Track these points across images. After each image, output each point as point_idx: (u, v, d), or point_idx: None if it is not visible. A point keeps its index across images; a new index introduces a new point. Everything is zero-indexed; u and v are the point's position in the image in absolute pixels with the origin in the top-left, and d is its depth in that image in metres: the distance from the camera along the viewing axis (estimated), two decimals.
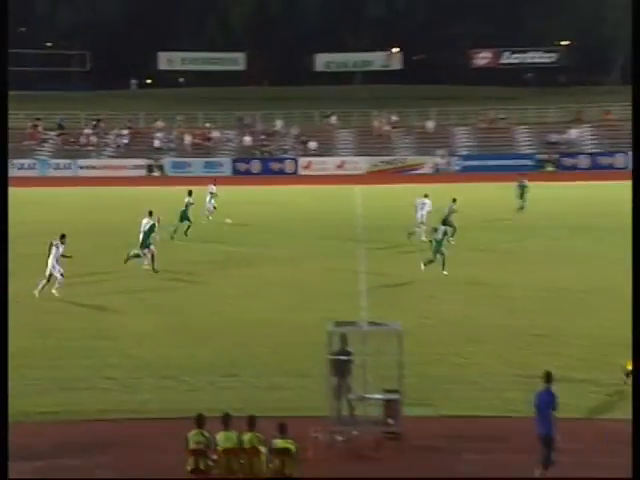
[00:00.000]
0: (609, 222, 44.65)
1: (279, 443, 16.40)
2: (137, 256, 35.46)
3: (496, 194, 58.44)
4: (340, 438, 18.90)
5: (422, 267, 34.45)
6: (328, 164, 76.44)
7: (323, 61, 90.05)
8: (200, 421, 16.58)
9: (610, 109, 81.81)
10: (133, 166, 76.45)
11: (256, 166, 76.87)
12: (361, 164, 75.51)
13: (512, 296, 31.38)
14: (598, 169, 73.40)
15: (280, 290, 32.38)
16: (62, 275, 31.28)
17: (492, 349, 25.36)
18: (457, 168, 75.77)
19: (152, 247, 35.34)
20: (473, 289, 32.45)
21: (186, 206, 43.36)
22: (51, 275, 31.15)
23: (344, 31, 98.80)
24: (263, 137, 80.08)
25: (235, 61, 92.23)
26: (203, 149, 79.24)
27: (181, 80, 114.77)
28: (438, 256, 34.67)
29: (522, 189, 50.55)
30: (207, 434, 16.36)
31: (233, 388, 22.30)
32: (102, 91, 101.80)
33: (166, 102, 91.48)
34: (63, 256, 31.54)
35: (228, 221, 46.68)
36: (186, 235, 42.57)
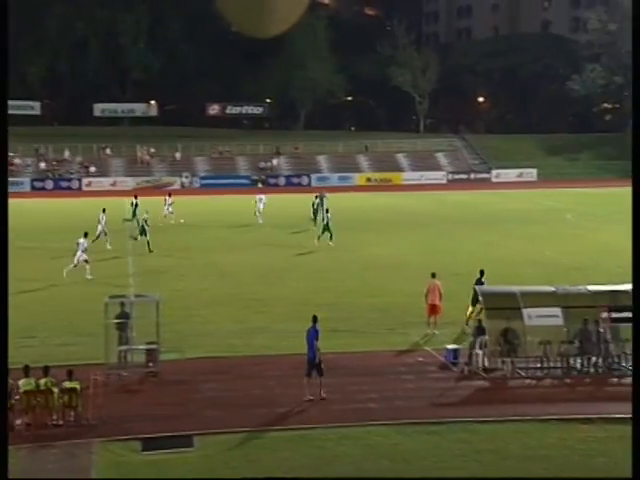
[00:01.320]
0: (296, 221, 45.56)
1: (67, 384, 15.97)
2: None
3: (227, 203, 58.45)
4: (114, 378, 18.35)
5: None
6: (104, 183, 74.29)
7: (99, 109, 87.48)
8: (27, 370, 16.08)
9: (298, 145, 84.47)
10: None
11: (49, 184, 73.51)
12: (129, 182, 73.80)
13: (233, 271, 31.39)
14: (290, 186, 75.43)
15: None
16: (87, 261, 29.89)
17: (222, 310, 25.35)
18: (197, 185, 75.81)
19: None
20: (208, 268, 32.28)
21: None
22: (78, 262, 29.75)
23: (115, 87, 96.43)
24: (55, 163, 76.55)
25: (33, 107, 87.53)
26: (9, 172, 74.40)
27: None
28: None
29: (321, 199, 45.01)
30: (12, 381, 15.58)
31: (32, 346, 21.07)
32: None
33: None
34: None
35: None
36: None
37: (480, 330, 19.50)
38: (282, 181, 78.07)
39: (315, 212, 44.08)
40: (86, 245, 30.45)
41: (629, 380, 18.50)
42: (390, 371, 18.99)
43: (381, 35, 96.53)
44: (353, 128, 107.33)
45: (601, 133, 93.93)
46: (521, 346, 19.09)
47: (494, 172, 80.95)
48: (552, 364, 19.14)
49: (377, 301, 25.56)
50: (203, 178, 77.35)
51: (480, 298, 20.25)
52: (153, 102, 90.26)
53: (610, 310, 19.43)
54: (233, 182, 75.46)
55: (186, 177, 76.09)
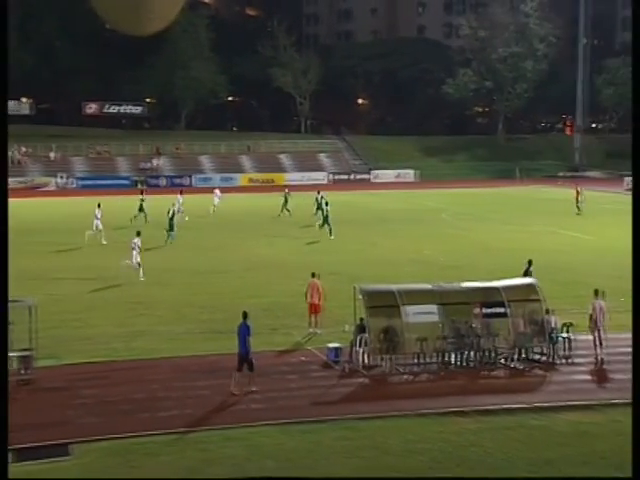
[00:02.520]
0: (212, 220, 44.97)
1: None
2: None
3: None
4: None
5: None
6: None
7: None
8: None
9: (180, 145, 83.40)
10: None
11: None
12: None
13: (115, 274, 30.58)
14: (172, 186, 74.23)
15: None
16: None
17: (102, 314, 24.72)
18: (75, 186, 73.51)
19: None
20: (88, 271, 31.30)
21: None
22: (133, 261, 29.56)
23: None
24: None
25: None
26: None
27: None
28: None
29: (285, 199, 49.06)
30: None
31: None
32: None
33: None
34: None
35: None
36: None
37: (361, 328, 19.85)
38: (163, 182, 76.83)
39: (318, 208, 45.22)
40: (139, 244, 30.24)
41: (500, 373, 19.32)
42: (273, 371, 19.07)
43: (262, 36, 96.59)
44: (235, 128, 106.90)
45: (474, 135, 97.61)
46: (400, 343, 19.55)
47: (373, 173, 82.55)
48: (429, 360, 19.70)
49: (260, 301, 25.58)
50: (81, 179, 75.19)
51: (360, 297, 20.59)
52: (25, 100, 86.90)
53: (482, 306, 20.18)
54: (112, 183, 73.65)
55: (61, 178, 73.82)
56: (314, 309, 22.45)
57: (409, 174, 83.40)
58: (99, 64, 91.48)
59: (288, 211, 48.91)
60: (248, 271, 31.46)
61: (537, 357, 20.03)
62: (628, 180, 71.66)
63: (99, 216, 38.81)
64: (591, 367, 19.45)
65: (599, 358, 19.64)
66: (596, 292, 20.28)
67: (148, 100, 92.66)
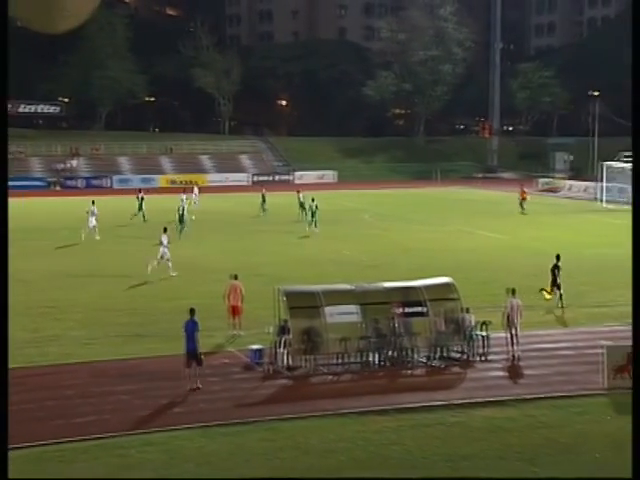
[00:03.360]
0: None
1: None
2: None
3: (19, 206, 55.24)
4: None
5: None
6: None
7: None
8: None
9: (98, 145, 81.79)
10: None
11: None
12: None
13: (27, 279, 29.76)
14: (90, 188, 72.73)
15: None
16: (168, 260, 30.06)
17: (14, 320, 23.90)
18: None
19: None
20: None
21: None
22: (162, 257, 30.04)
23: None
24: None
25: None
26: None
27: None
28: None
29: (263, 199, 50.67)
30: None
31: None
32: None
33: None
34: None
35: None
36: None
37: (283, 330, 19.84)
38: (81, 183, 75.21)
39: (302, 206, 47.21)
40: (167, 241, 30.86)
41: (420, 371, 19.62)
42: (195, 374, 18.79)
43: (184, 36, 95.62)
44: (157, 129, 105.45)
45: (394, 137, 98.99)
46: (322, 343, 19.62)
47: (296, 174, 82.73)
48: (351, 359, 19.84)
49: (180, 304, 25.20)
50: None
51: (282, 298, 20.57)
52: None
53: (402, 306, 20.44)
54: (26, 184, 71.57)
55: None
56: (235, 311, 22.33)
57: (331, 175, 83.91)
58: (12, 62, 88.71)
59: (264, 210, 50.35)
60: (167, 273, 31.04)
61: (455, 355, 20.40)
62: (541, 181, 74.14)
63: (96, 212, 39.76)
64: (506, 364, 19.92)
65: (514, 355, 20.14)
66: (512, 290, 20.79)
67: (64, 100, 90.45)
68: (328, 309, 19.82)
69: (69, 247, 38.08)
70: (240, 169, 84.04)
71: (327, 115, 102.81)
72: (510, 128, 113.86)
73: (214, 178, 79.57)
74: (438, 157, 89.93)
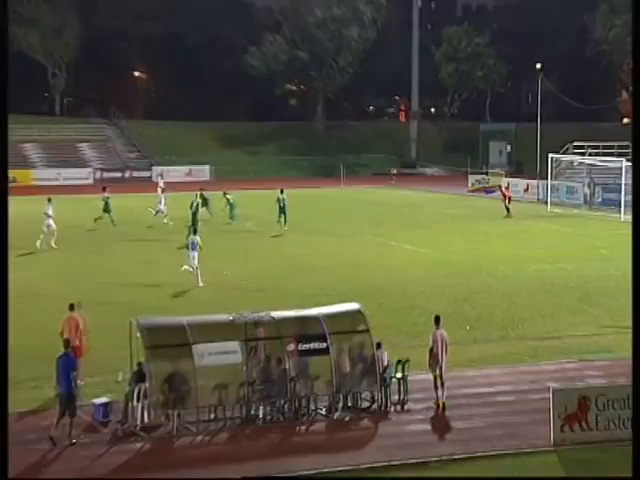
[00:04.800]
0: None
1: None
2: None
3: None
4: None
5: None
6: None
7: None
8: None
9: None
10: None
11: None
12: None
13: None
14: None
15: None
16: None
17: None
18: None
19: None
20: None
21: None
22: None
23: None
24: None
25: None
26: None
27: None
28: None
29: (204, 198, 52.18)
30: None
31: None
32: None
33: None
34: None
35: None
36: None
37: (139, 376, 19.62)
38: None
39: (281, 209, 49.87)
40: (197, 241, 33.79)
41: (319, 426, 19.77)
42: (17, 440, 18.24)
43: None
44: None
45: (286, 122, 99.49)
46: (191, 393, 19.52)
47: (157, 169, 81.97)
48: (230, 414, 19.80)
49: None
50: None
51: (139, 334, 20.33)
52: None
53: (298, 341, 20.56)
54: None
55: None
56: (73, 352, 21.90)
57: (203, 170, 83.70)
58: None
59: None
60: None
61: (366, 404, 20.66)
62: (473, 178, 75.92)
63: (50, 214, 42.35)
64: (430, 414, 20.30)
65: (440, 402, 20.54)
66: (437, 320, 21.14)
67: None
68: (199, 347, 19.73)
69: None
70: (80, 163, 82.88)
71: (197, 92, 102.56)
72: (433, 110, 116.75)
73: (43, 175, 78.17)
74: (343, 148, 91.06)
